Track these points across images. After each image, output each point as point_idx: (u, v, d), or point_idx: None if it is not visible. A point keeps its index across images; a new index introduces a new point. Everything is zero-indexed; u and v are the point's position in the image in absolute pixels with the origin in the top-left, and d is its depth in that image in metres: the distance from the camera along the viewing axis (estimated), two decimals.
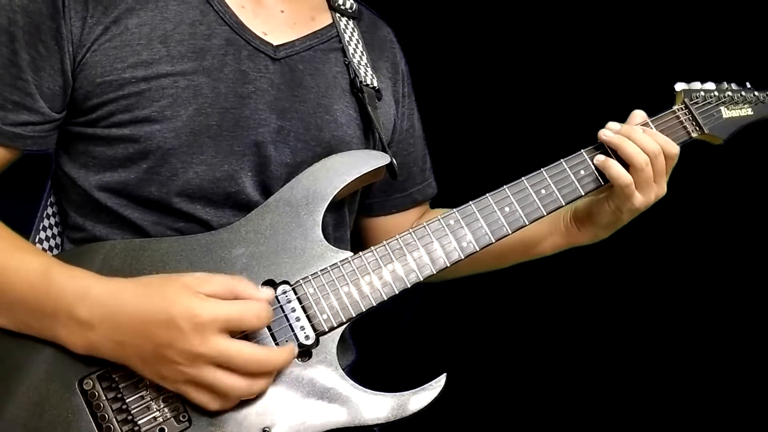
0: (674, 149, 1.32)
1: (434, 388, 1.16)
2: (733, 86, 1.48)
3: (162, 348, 1.02)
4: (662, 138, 1.32)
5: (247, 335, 1.09)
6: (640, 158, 1.27)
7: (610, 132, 1.32)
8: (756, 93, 1.49)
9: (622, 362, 2.52)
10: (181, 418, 1.08)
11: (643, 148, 1.28)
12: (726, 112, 1.43)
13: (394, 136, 1.45)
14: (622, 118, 1.42)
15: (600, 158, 1.31)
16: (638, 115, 1.38)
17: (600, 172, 1.31)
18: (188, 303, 1.03)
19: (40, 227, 1.29)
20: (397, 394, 1.15)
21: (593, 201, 1.37)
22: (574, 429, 2.54)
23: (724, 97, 1.44)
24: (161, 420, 1.07)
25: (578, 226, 1.42)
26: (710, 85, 1.45)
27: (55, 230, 1.29)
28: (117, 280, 1.07)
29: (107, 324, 1.03)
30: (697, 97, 1.42)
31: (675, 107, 1.41)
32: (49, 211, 1.30)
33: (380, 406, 1.13)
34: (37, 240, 1.28)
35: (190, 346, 1.02)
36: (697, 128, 1.40)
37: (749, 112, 1.46)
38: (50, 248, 1.28)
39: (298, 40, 1.32)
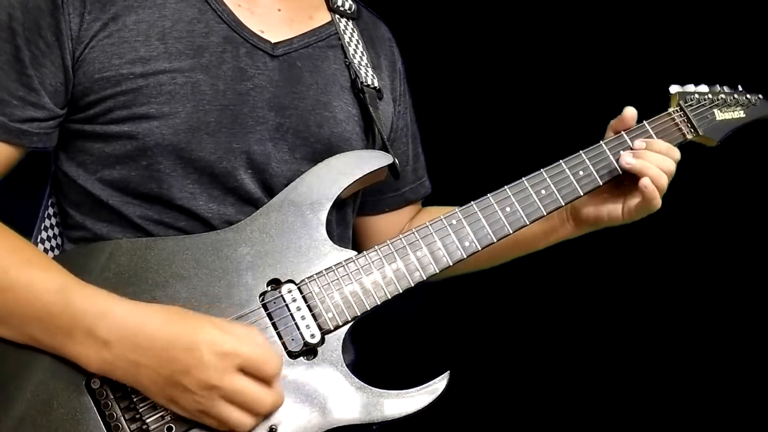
0: (677, 155, 1.37)
1: (438, 385, 1.18)
2: (726, 89, 1.51)
3: (178, 374, 1.02)
4: (666, 146, 1.36)
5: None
6: (664, 181, 1.33)
7: (631, 158, 1.33)
8: (748, 96, 1.52)
9: (621, 360, 2.50)
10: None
11: (663, 169, 1.33)
12: (719, 115, 1.46)
13: (390, 135, 1.46)
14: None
15: (644, 183, 1.32)
16: (629, 111, 1.39)
17: (598, 173, 1.34)
18: (213, 333, 1.05)
19: (42, 227, 1.29)
20: (402, 391, 1.16)
21: (603, 205, 1.38)
22: (574, 428, 2.54)
23: (718, 99, 1.47)
24: (169, 418, 1.07)
25: (576, 224, 1.43)
26: (704, 88, 1.48)
27: (56, 230, 1.29)
28: (139, 303, 1.07)
29: (126, 343, 1.03)
30: (691, 100, 1.44)
31: (670, 109, 1.43)
32: (50, 211, 1.29)
33: (386, 403, 1.15)
34: (39, 240, 1.27)
35: (207, 377, 1.02)
36: (692, 130, 1.43)
37: (741, 114, 1.49)
38: (51, 248, 1.28)
39: (296, 37, 1.32)
